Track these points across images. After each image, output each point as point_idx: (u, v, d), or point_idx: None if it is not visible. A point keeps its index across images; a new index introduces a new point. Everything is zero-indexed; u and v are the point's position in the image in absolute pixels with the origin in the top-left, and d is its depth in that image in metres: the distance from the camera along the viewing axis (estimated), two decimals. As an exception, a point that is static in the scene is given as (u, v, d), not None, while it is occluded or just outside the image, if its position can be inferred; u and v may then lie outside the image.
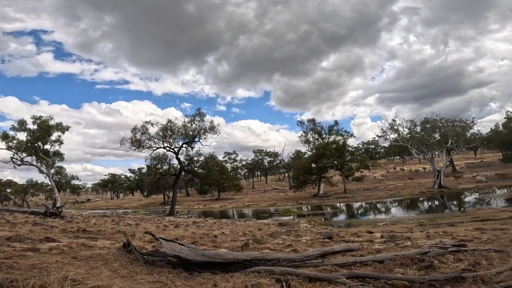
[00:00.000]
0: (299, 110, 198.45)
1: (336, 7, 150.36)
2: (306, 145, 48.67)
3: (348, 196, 36.71)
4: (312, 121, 48.52)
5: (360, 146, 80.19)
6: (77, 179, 55.79)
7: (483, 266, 3.82)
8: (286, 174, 64.25)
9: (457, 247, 5.07)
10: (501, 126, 44.75)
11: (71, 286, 2.79)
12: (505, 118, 41.32)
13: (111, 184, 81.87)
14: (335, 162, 39.00)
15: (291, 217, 22.98)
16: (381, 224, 15.21)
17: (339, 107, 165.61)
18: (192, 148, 32.15)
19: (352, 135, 45.83)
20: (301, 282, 3.61)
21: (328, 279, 3.61)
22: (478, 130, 44.28)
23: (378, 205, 27.81)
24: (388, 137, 39.02)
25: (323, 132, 46.99)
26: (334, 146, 39.44)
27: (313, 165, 40.09)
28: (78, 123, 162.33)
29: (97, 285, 2.90)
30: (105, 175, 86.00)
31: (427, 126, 38.66)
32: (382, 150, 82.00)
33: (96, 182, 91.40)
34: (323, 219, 20.68)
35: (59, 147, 30.86)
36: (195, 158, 34.87)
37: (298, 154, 63.36)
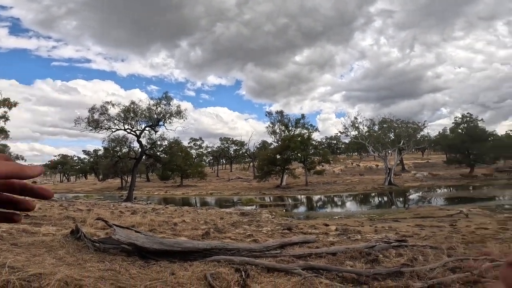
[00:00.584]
0: (269, 101, 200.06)
1: (317, 3, 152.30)
2: (273, 136, 49.48)
3: (309, 188, 38.11)
4: (280, 113, 49.28)
5: (324, 140, 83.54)
6: (22, 159, 50.87)
7: (420, 262, 4.21)
8: (251, 164, 64.87)
9: (399, 242, 5.59)
10: (448, 131, 49.24)
11: (9, 274, 2.58)
12: (453, 123, 45.50)
13: (62, 166, 75.99)
14: (299, 154, 40.18)
15: (254, 207, 23.30)
16: (337, 217, 16.11)
17: (307, 101, 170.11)
18: (156, 131, 30.93)
19: (316, 130, 47.46)
20: (260, 272, 3.72)
21: (285, 269, 3.77)
22: (427, 133, 48.50)
23: (336, 199, 29.37)
24: (349, 133, 41.16)
25: (290, 125, 48.04)
26: (299, 139, 40.52)
27: (278, 156, 40.95)
28: (27, 99, 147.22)
29: (39, 273, 2.72)
30: (55, 156, 79.62)
31: (384, 126, 41.36)
32: (342, 146, 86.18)
33: (44, 163, 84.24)
34: (284, 210, 21.15)
35: (5, 123, 27.78)
36: (158, 142, 33.64)
37: (264, 145, 64.10)
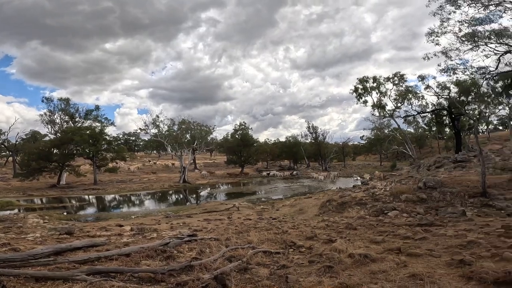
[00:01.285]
0: (52, 85, 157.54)
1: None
2: (50, 126, 40.43)
3: (99, 188, 34.03)
4: (66, 100, 41.11)
5: (121, 136, 77.74)
6: None
7: (206, 254, 4.89)
8: (10, 159, 48.68)
9: (190, 237, 6.40)
10: (229, 135, 60.46)
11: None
12: (233, 129, 56.62)
13: None
14: (86, 150, 34.86)
15: (15, 211, 17.99)
16: (133, 216, 15.58)
17: (107, 92, 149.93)
18: None
19: (112, 124, 43.36)
20: (24, 282, 3.18)
21: (63, 277, 3.37)
22: (215, 136, 57.27)
23: (132, 198, 28.10)
24: (149, 131, 40.81)
25: (77, 115, 40.99)
26: (88, 132, 35.26)
27: (55, 151, 33.65)
28: None
29: None
30: None
31: (183, 126, 44.63)
32: (141, 143, 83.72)
33: None
34: (65, 213, 18.22)
35: None
36: None
37: (34, 136, 50.43)
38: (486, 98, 22.78)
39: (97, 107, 42.61)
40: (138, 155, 76.39)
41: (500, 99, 21.06)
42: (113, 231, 8.66)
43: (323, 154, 55.88)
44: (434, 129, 39.08)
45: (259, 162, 61.20)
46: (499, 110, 29.39)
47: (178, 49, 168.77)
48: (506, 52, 14.97)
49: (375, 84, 32.07)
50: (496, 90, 18.14)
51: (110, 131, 48.53)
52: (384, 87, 31.25)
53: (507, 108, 30.11)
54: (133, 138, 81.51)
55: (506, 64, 15.55)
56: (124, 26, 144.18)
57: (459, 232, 6.02)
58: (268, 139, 77.52)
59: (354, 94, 32.97)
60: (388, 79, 31.63)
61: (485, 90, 21.09)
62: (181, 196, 29.67)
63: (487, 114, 27.40)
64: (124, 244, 6.11)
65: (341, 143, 61.55)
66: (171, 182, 38.77)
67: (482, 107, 24.40)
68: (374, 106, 31.77)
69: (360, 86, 32.58)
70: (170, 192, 32.47)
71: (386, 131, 46.64)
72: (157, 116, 40.72)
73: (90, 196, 28.16)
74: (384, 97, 31.36)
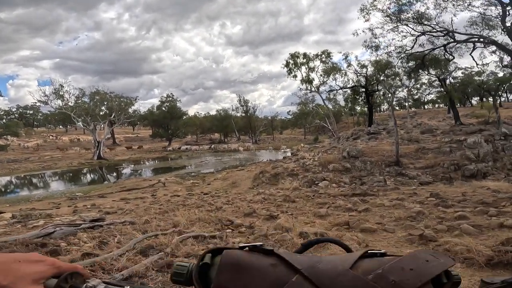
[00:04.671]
0: None
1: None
2: None
3: (-20, 169, 27.29)
4: None
5: (14, 110, 64.37)
6: None
7: (110, 246, 3.58)
8: None
9: (95, 222, 4.87)
10: (155, 108, 55.30)
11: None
12: (159, 101, 51.57)
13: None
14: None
15: None
16: (25, 201, 12.47)
17: None
18: None
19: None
20: None
21: None
22: (138, 109, 51.58)
23: (33, 179, 23.20)
24: (49, 102, 33.79)
25: None
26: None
27: None
28: None
29: None
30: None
31: (97, 97, 38.51)
32: (42, 118, 70.62)
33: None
34: None
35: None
36: None
37: None
38: (396, 77, 25.62)
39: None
40: (38, 131, 64.27)
41: (408, 77, 23.74)
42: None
43: (253, 128, 56.40)
44: (350, 105, 43.01)
45: (188, 135, 58.38)
46: (399, 92, 33.96)
47: (97, 18, 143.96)
48: (421, 34, 16.45)
49: (304, 60, 32.85)
50: (407, 69, 20.24)
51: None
52: (313, 63, 32.27)
53: (405, 91, 35.09)
54: (31, 112, 67.84)
55: (420, 45, 17.17)
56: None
57: (394, 202, 6.04)
58: (198, 112, 74.01)
59: (285, 68, 33.26)
60: (316, 55, 32.75)
61: (397, 70, 23.52)
62: (96, 174, 25.82)
63: (393, 91, 31.09)
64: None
65: (270, 117, 63.03)
66: (81, 159, 33.61)
67: (394, 82, 27.33)
68: (302, 80, 32.68)
69: (292, 61, 32.96)
70: (80, 170, 28.06)
71: (310, 106, 49.27)
72: (61, 86, 33.83)
73: (-34, 180, 22.15)
74: (312, 72, 32.50)
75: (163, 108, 49.40)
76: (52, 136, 57.33)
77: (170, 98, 50.31)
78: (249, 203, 7.23)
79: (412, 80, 27.66)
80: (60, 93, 33.71)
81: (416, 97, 54.80)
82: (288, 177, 12.64)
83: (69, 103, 34.83)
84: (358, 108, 44.24)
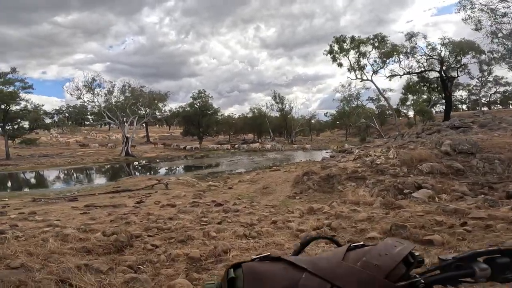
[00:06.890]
0: None
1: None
2: None
3: (11, 163, 26.72)
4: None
5: (64, 109, 68.99)
6: None
7: None
8: None
9: None
10: (188, 106, 53.09)
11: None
12: (191, 97, 49.14)
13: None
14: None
15: None
16: None
17: (55, 66, 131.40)
18: None
19: (31, 87, 33.35)
20: None
21: None
22: (171, 108, 49.96)
23: (38, 175, 21.66)
24: (82, 96, 32.82)
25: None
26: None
27: None
28: None
29: None
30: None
31: (126, 94, 37.09)
32: (91, 117, 74.19)
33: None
34: None
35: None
36: None
37: None
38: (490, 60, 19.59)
39: (14, 69, 32.42)
40: (86, 129, 66.67)
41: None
42: None
43: (289, 127, 51.93)
44: (413, 97, 36.71)
45: (221, 134, 55.67)
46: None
47: (141, 23, 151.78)
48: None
49: (353, 45, 27.83)
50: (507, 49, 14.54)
51: (54, 102, 39.26)
52: (365, 46, 27.10)
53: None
54: (77, 111, 70.91)
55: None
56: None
57: None
58: (232, 113, 71.42)
59: (329, 55, 28.55)
60: (368, 39, 27.58)
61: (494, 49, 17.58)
62: (113, 172, 23.40)
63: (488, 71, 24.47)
64: None
65: (307, 117, 57.88)
66: (110, 156, 32.07)
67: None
68: (350, 68, 27.64)
69: (337, 46, 28.13)
70: (104, 167, 26.06)
71: (355, 103, 43.49)
72: (93, 79, 32.68)
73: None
74: (363, 59, 27.36)
75: (195, 105, 46.98)
76: (94, 133, 58.64)
77: (202, 94, 47.68)
78: (296, 235, 3.16)
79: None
80: (91, 86, 32.61)
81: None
82: (348, 181, 8.32)
83: (100, 97, 33.64)
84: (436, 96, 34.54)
